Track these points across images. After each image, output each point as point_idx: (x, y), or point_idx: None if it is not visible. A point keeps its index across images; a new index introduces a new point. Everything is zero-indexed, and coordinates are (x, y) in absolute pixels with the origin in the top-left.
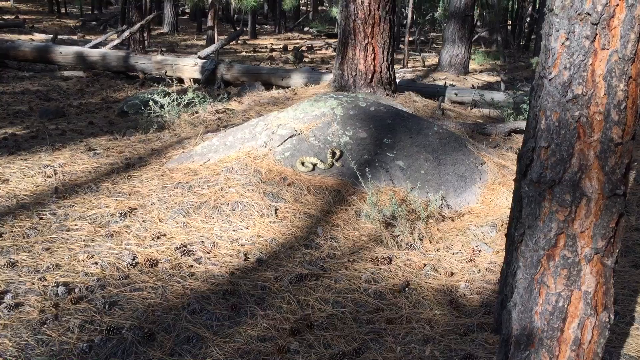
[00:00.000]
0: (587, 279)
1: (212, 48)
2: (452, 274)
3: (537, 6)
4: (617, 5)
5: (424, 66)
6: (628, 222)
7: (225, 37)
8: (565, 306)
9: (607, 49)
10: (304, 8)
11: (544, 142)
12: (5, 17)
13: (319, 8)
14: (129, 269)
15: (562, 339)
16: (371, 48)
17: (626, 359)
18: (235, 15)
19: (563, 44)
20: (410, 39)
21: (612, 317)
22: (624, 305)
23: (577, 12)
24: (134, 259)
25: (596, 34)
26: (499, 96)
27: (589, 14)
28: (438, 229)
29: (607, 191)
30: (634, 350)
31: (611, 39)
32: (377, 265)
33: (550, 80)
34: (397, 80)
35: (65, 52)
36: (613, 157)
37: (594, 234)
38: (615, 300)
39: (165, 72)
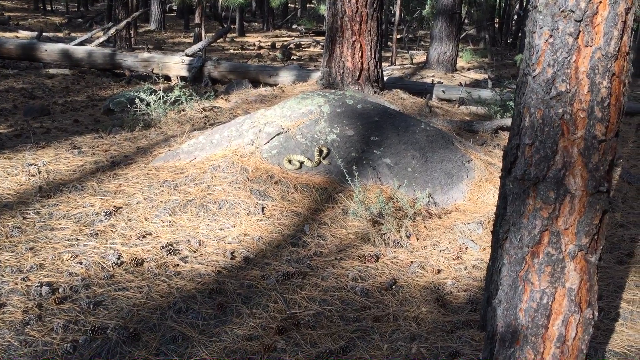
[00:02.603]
0: (571, 275)
1: (199, 45)
2: (439, 271)
3: (524, 4)
4: (600, 2)
5: (412, 64)
6: (613, 219)
7: (213, 34)
8: (550, 303)
9: (591, 46)
10: (292, 5)
11: (528, 140)
12: None
13: (307, 5)
14: (113, 269)
15: (546, 336)
16: (359, 45)
17: (611, 355)
18: (223, 13)
19: (547, 41)
20: (398, 36)
21: (596, 313)
22: (608, 301)
23: (561, 9)
24: (119, 259)
25: (580, 31)
26: (486, 93)
27: (572, 10)
28: (425, 227)
29: (591, 188)
30: (618, 346)
31: (594, 36)
32: (364, 263)
33: (534, 77)
34: (385, 78)
35: (50, 50)
36: (596, 154)
37: (577, 231)
38: (600, 297)
39: (152, 70)
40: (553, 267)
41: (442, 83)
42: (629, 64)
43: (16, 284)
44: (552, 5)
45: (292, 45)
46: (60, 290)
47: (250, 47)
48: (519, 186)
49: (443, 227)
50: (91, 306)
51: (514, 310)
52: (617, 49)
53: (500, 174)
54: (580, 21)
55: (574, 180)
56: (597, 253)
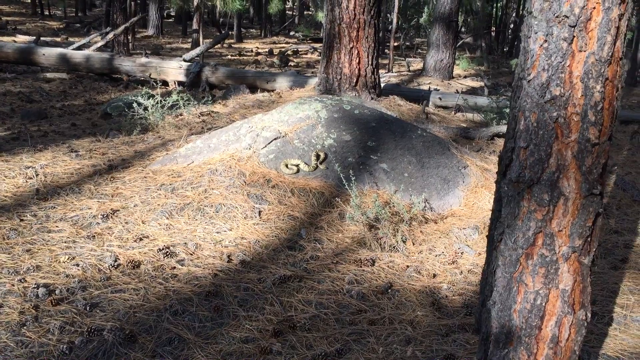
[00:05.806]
0: (564, 277)
1: (197, 51)
2: (434, 275)
3: (520, 12)
4: (594, 8)
5: (409, 71)
6: (607, 225)
7: (211, 40)
8: (543, 304)
9: (585, 51)
10: (290, 12)
11: (523, 143)
12: None
13: (305, 12)
14: (110, 271)
15: (540, 337)
16: (356, 52)
17: (604, 359)
18: (221, 19)
19: (541, 45)
20: (396, 44)
21: (589, 315)
22: (602, 306)
23: (555, 15)
24: (115, 261)
25: (574, 36)
26: (482, 101)
27: (566, 16)
28: (421, 231)
29: (584, 191)
30: (612, 350)
31: (588, 41)
32: (360, 267)
33: (529, 81)
34: (382, 85)
35: (48, 54)
36: (590, 157)
37: (571, 233)
38: (594, 302)
39: (150, 75)
40: (547, 269)
41: (438, 90)
42: (622, 69)
43: (13, 285)
44: (547, 10)
45: (289, 52)
46: (56, 291)
47: (248, 53)
48: (514, 188)
49: (439, 232)
50: (88, 308)
51: (508, 311)
52: (610, 54)
53: (495, 180)
54: (574, 26)
55: (567, 182)
56: (591, 255)
